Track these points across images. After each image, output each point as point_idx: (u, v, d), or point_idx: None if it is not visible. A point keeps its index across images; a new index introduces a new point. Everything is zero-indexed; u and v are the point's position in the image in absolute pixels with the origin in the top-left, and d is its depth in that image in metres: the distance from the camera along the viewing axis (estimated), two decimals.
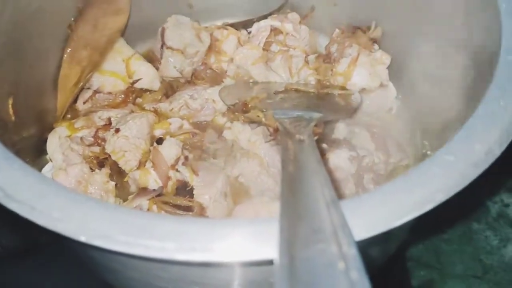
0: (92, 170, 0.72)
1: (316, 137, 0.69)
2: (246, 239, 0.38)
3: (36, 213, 0.39)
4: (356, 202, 0.41)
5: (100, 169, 0.72)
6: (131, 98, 0.83)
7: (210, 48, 0.85)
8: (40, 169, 0.74)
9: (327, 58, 0.85)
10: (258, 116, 0.69)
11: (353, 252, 0.34)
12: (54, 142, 0.70)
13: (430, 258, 0.82)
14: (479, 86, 0.56)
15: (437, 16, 0.73)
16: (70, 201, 0.41)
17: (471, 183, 0.41)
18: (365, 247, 0.37)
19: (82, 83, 0.78)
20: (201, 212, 0.70)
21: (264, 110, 0.69)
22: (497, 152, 0.42)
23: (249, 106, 0.70)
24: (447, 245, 0.83)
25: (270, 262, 0.36)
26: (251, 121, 0.71)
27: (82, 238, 0.37)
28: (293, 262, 0.33)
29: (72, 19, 0.79)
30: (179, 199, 0.71)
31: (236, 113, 0.72)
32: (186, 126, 0.81)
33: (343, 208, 0.40)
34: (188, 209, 0.70)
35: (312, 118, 0.64)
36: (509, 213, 0.86)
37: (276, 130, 0.69)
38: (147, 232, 0.38)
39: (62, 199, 0.41)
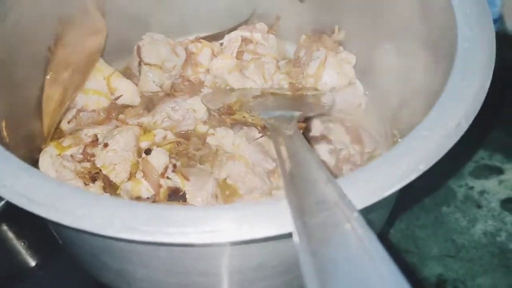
0: (86, 184, 0.75)
1: (301, 130, 0.74)
2: (257, 217, 0.43)
3: (61, 214, 0.42)
4: (350, 178, 0.46)
5: (93, 183, 0.75)
6: (113, 114, 0.86)
7: (186, 61, 0.90)
8: None
9: (296, 63, 0.91)
10: (244, 117, 0.74)
11: (356, 215, 0.39)
12: (46, 161, 0.72)
13: (408, 244, 0.88)
14: (440, 75, 0.63)
15: (395, 16, 0.80)
16: (90, 199, 0.44)
17: (442, 159, 0.47)
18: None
19: (67, 103, 0.81)
20: None
21: (249, 111, 0.74)
22: (465, 125, 0.49)
23: (234, 108, 0.75)
24: (421, 230, 0.89)
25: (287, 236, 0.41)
26: (237, 123, 0.76)
27: (109, 232, 0.41)
28: (306, 227, 0.38)
29: (52, 42, 0.82)
30: (174, 204, 0.74)
31: (223, 116, 0.76)
32: (170, 136, 0.84)
33: (339, 184, 0.45)
34: None
35: (293, 116, 0.69)
36: (474, 195, 0.94)
37: (264, 127, 0.74)
38: (167, 221, 0.42)
39: (81, 199, 0.44)
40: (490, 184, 0.94)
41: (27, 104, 0.79)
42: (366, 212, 0.42)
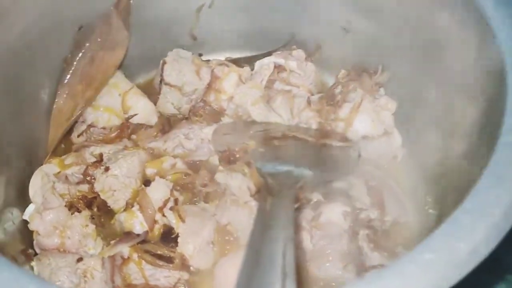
0: (78, 211, 0.71)
1: (298, 204, 0.65)
2: None
3: None
4: None
5: (84, 210, 0.70)
6: (126, 133, 0.81)
7: (210, 85, 0.83)
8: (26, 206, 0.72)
9: (330, 100, 0.81)
10: (243, 169, 0.66)
11: None
12: (36, 183, 0.69)
13: None
14: (485, 144, 0.52)
15: (447, 63, 0.69)
16: None
17: None
18: None
19: (73, 118, 0.77)
20: (183, 263, 0.68)
21: (253, 161, 0.66)
22: (483, 252, 0.38)
23: (237, 156, 0.67)
24: None
25: None
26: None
27: None
28: None
29: (69, 53, 0.78)
30: (161, 249, 0.68)
31: (222, 162, 0.69)
32: (180, 165, 0.78)
33: None
34: (169, 260, 0.67)
35: (301, 176, 0.61)
36: None
37: (258, 190, 0.65)
38: None
39: None
40: None
41: (33, 114, 0.76)
42: None
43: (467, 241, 0.39)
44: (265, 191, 0.55)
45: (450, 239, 0.39)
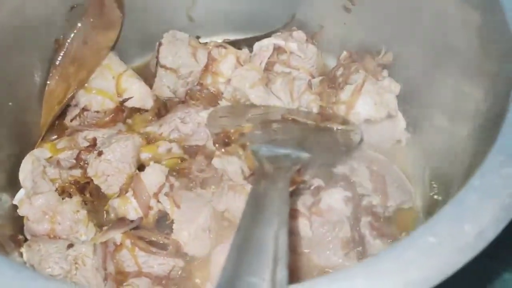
0: (70, 196, 0.68)
1: (293, 187, 0.62)
2: None
3: None
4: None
5: (75, 195, 0.68)
6: (121, 117, 0.79)
7: (206, 68, 0.80)
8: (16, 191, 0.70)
9: (331, 83, 0.78)
10: (237, 152, 0.63)
11: None
12: (26, 168, 0.67)
13: None
14: (491, 127, 0.49)
15: (452, 44, 0.65)
16: None
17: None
18: None
19: (65, 101, 0.74)
20: (177, 250, 0.65)
21: (249, 143, 0.63)
22: (490, 235, 0.35)
23: (232, 138, 0.64)
24: None
25: None
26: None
27: None
28: None
29: (61, 33, 0.75)
30: (155, 235, 0.66)
31: (217, 145, 0.66)
32: (176, 149, 0.75)
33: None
34: (163, 246, 0.65)
35: (298, 158, 0.58)
36: None
37: (252, 174, 0.63)
38: None
39: None
40: None
41: (24, 97, 0.74)
42: None
43: (473, 223, 0.36)
44: (259, 174, 0.52)
45: (455, 221, 0.36)
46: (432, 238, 0.35)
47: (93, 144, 0.74)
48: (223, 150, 0.64)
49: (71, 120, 0.79)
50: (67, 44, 0.75)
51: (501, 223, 0.36)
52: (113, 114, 0.78)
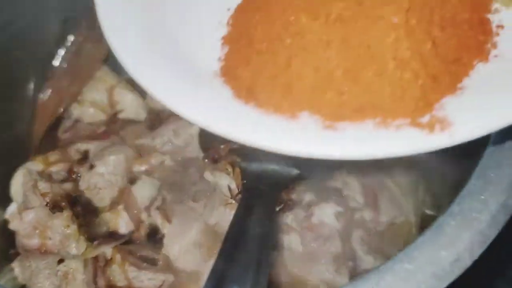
0: (59, 210, 0.68)
1: (281, 206, 0.62)
2: None
3: None
4: None
5: (66, 210, 0.68)
6: (113, 129, 0.79)
7: None
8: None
9: None
10: (226, 169, 0.63)
11: None
12: (18, 181, 0.67)
13: None
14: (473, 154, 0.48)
15: None
16: None
17: None
18: None
19: (58, 113, 0.75)
20: (167, 265, 0.65)
21: (238, 160, 0.63)
22: (467, 262, 0.35)
23: (222, 155, 0.64)
24: None
25: None
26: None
27: None
28: None
29: (53, 46, 0.76)
30: (145, 250, 0.66)
31: (206, 161, 0.66)
32: (168, 162, 0.75)
33: None
34: (153, 261, 0.65)
35: (288, 175, 0.58)
36: None
37: (238, 193, 0.62)
38: None
39: None
40: None
41: (17, 110, 0.74)
42: None
43: (449, 249, 0.35)
44: (247, 190, 0.52)
45: (432, 247, 0.36)
46: (408, 264, 0.35)
47: (85, 156, 0.74)
48: (211, 167, 0.64)
49: (64, 132, 0.79)
50: (59, 57, 0.75)
51: (478, 250, 0.35)
52: (105, 126, 0.79)
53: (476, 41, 0.36)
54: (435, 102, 0.34)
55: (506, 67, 0.35)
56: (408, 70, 0.35)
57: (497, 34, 0.37)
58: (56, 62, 0.76)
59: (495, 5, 0.38)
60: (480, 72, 0.35)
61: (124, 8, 0.46)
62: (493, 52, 0.36)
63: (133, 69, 0.42)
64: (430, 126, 0.33)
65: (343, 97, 0.35)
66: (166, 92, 0.39)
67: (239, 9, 0.43)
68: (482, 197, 0.37)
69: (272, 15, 0.38)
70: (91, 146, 0.76)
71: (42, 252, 0.66)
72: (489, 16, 0.37)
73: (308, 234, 0.66)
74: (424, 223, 0.68)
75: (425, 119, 0.34)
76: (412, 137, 0.33)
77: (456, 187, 0.58)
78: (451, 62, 0.35)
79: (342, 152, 0.34)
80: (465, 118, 0.33)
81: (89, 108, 0.76)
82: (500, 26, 0.37)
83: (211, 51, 0.41)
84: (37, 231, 0.64)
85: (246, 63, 0.38)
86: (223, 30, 0.42)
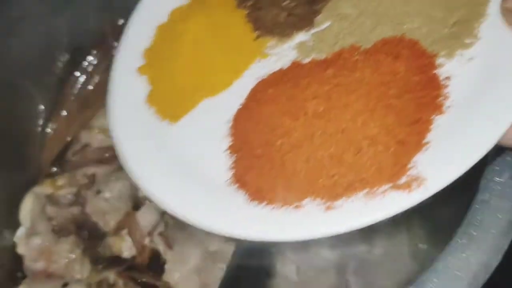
0: (66, 234, 0.71)
1: None
2: None
3: None
4: None
5: (71, 234, 0.71)
6: None
7: None
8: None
9: None
10: None
11: None
12: (26, 208, 0.70)
13: None
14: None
15: None
16: None
17: None
18: None
19: (68, 139, 0.77)
20: None
21: None
22: None
23: None
24: None
25: None
26: None
27: None
28: None
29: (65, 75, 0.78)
30: (147, 276, 0.68)
31: None
32: None
33: None
34: (154, 287, 0.68)
35: None
36: None
37: None
38: None
39: None
40: None
41: (30, 133, 0.77)
42: None
43: None
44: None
45: None
46: None
47: (92, 180, 0.77)
48: None
49: (73, 155, 0.81)
50: (70, 85, 0.78)
51: None
52: (113, 151, 0.81)
53: (430, 98, 0.40)
54: (407, 163, 0.38)
55: (461, 113, 0.38)
56: (379, 143, 0.39)
57: (447, 86, 0.40)
58: (66, 91, 0.78)
59: (439, 60, 0.41)
60: (440, 124, 0.39)
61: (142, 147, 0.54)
62: (447, 103, 0.40)
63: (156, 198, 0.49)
64: (409, 186, 0.37)
65: (334, 178, 0.39)
66: (189, 210, 0.46)
67: (235, 120, 0.47)
68: (464, 255, 0.39)
69: (261, 122, 0.43)
70: (98, 170, 0.78)
71: (47, 275, 0.68)
72: (436, 71, 0.41)
73: (303, 264, 0.68)
74: (417, 255, 0.70)
75: (403, 180, 0.37)
76: (396, 199, 0.37)
77: (447, 222, 0.61)
78: (413, 123, 0.39)
79: (346, 227, 0.39)
80: (434, 170, 0.37)
81: (97, 135, 0.78)
82: (447, 78, 0.41)
83: (222, 163, 0.46)
84: (43, 255, 0.66)
85: (250, 168, 0.42)
86: (228, 140, 0.47)
